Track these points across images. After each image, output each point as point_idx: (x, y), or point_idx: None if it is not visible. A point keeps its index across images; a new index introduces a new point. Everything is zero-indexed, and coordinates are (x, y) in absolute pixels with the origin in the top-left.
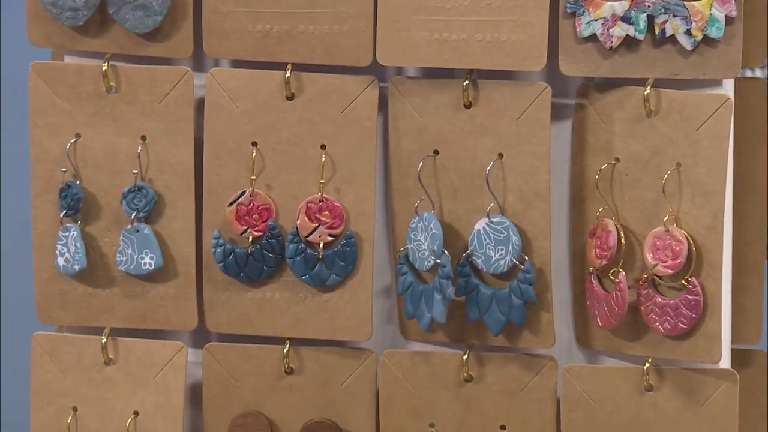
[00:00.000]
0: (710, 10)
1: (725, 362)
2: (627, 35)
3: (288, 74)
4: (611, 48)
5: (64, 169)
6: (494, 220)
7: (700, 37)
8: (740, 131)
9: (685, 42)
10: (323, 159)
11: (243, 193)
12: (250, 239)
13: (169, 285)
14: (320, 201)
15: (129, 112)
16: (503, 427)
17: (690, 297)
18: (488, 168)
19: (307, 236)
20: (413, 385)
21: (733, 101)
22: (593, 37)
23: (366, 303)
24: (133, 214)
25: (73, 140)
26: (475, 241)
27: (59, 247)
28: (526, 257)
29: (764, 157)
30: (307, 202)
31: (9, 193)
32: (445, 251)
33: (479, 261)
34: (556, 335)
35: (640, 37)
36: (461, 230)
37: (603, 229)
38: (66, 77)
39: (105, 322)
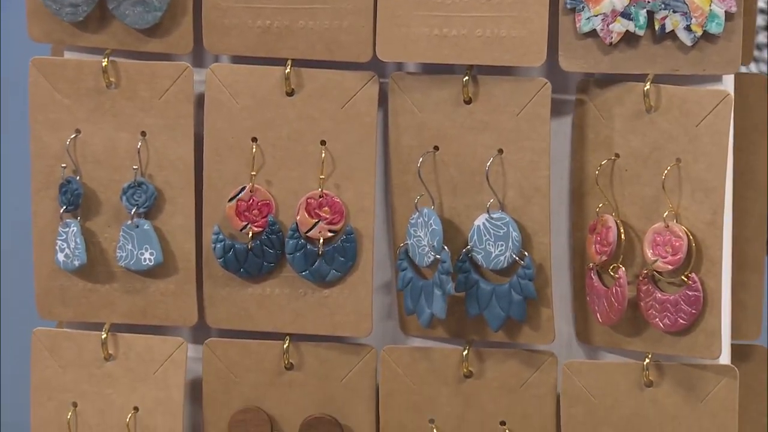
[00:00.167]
0: (710, 5)
1: (725, 358)
2: (627, 31)
3: (288, 70)
4: (611, 44)
5: (64, 165)
6: (494, 215)
7: (699, 32)
8: (740, 127)
9: (685, 38)
10: (323, 155)
11: (243, 188)
12: (250, 235)
13: (169, 281)
14: (320, 197)
15: (129, 107)
16: (503, 423)
17: (690, 293)
18: (488, 164)
19: (307, 232)
20: (413, 380)
21: (733, 97)
22: (593, 33)
23: (366, 299)
24: (133, 210)
25: (73, 136)
26: (475, 236)
27: (59, 242)
28: (526, 253)
29: (764, 153)
30: (307, 198)
31: (9, 189)
32: (445, 247)
33: (479, 257)
34: (556, 331)
35: (640, 32)
36: (461, 226)
37: (603, 225)
38: (66, 73)
39: (105, 317)
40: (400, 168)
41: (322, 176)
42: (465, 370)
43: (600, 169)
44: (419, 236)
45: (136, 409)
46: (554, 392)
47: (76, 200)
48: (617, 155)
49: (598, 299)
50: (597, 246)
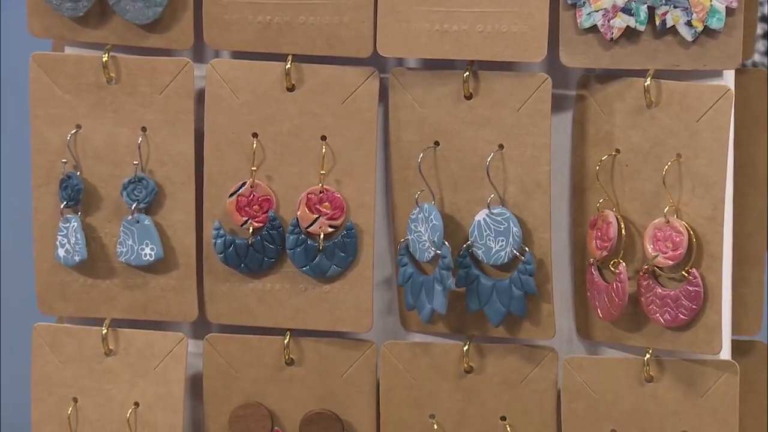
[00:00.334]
0: (711, 1)
1: (725, 353)
2: (628, 26)
3: (288, 65)
4: (612, 39)
5: (64, 160)
6: (495, 211)
7: (700, 28)
8: (740, 122)
9: (686, 33)
10: (323, 150)
11: (243, 184)
12: (251, 230)
13: (169, 276)
14: (321, 192)
15: (129, 103)
16: (503, 418)
17: (690, 288)
18: (489, 159)
19: (308, 227)
20: (414, 376)
21: (734, 92)
22: (594, 29)
23: (366, 294)
24: (134, 205)
25: (74, 131)
26: (476, 232)
27: (60, 238)
28: (526, 248)
29: (764, 147)
30: (308, 194)
31: (9, 184)
32: (446, 242)
33: (480, 252)
34: (557, 326)
35: (641, 28)
36: (462, 221)
37: (603, 221)
38: (66, 68)
39: (105, 313)
40: (401, 163)
41: (323, 171)
42: (465, 365)
43: (600, 164)
44: (420, 231)
45: (136, 404)
46: (555, 387)
47: (77, 195)
48: (618, 151)
49: (598, 294)
50: (597, 241)
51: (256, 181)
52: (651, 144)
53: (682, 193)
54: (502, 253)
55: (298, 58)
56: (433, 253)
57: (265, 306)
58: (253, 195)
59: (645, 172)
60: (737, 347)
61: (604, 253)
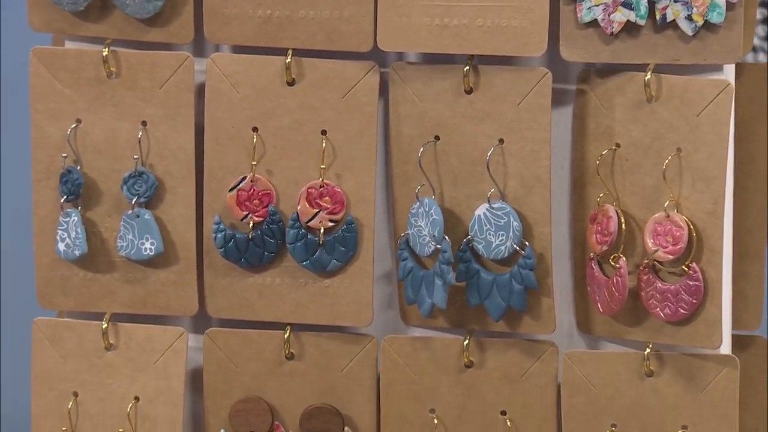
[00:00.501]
0: None
1: (726, 348)
2: (628, 21)
3: (289, 60)
4: (612, 33)
5: (64, 155)
6: (495, 205)
7: (701, 22)
8: (741, 117)
9: (686, 27)
10: (324, 144)
11: (243, 178)
12: (251, 225)
13: (169, 270)
14: (321, 186)
15: (129, 97)
16: (504, 413)
17: (690, 282)
18: (489, 153)
19: (308, 222)
20: (414, 370)
21: (734, 86)
22: (594, 23)
23: (366, 288)
24: (134, 200)
25: (74, 125)
26: (476, 226)
27: (60, 232)
28: (526, 243)
29: (764, 142)
30: (308, 188)
31: (9, 179)
32: (446, 237)
33: (480, 246)
34: (557, 321)
35: (641, 22)
36: (462, 216)
37: (604, 215)
38: (67, 62)
39: (105, 307)
40: (401, 158)
41: (323, 166)
42: (466, 359)
43: (601, 158)
44: (420, 226)
45: (136, 398)
46: (555, 382)
47: (77, 190)
48: (618, 145)
49: (598, 289)
50: (598, 236)
51: (256, 175)
52: (651, 138)
53: (682, 188)
54: (503, 248)
55: (299, 53)
56: (433, 248)
57: (265, 300)
58: (254, 189)
59: (645, 167)
60: (737, 342)
61: (605, 248)
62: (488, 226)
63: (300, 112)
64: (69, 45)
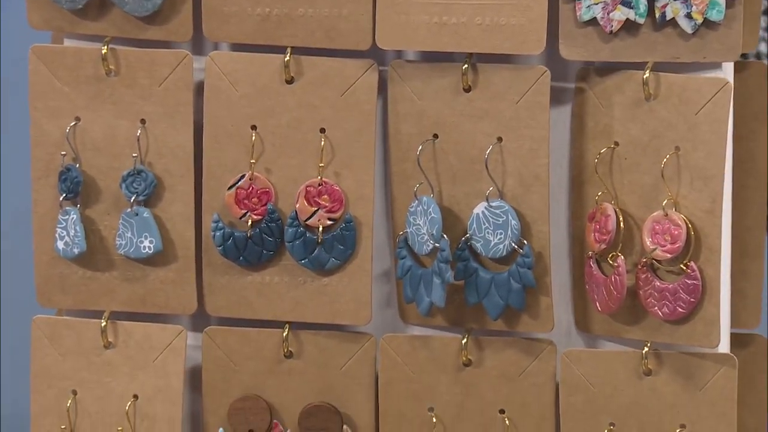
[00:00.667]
0: None
1: (724, 347)
2: (627, 19)
3: (287, 58)
4: (611, 32)
5: (63, 153)
6: (493, 204)
7: (700, 20)
8: (741, 115)
9: (686, 25)
10: (322, 143)
11: (242, 176)
12: (250, 223)
13: (168, 268)
14: (319, 185)
15: (128, 95)
16: (502, 411)
17: (688, 281)
18: (487, 152)
19: (306, 220)
20: (412, 369)
21: (733, 85)
22: (593, 21)
23: (365, 287)
24: (133, 198)
25: (73, 123)
26: (474, 225)
27: (59, 230)
28: (525, 241)
29: (764, 141)
30: (307, 186)
31: (9, 176)
32: (444, 235)
33: (478, 245)
34: (556, 319)
35: (641, 20)
36: (460, 214)
37: (602, 213)
38: (66, 60)
39: (104, 305)
40: (400, 156)
41: (322, 164)
42: (464, 358)
43: (599, 157)
44: (418, 224)
45: (135, 397)
46: (553, 381)
47: (76, 188)
48: (617, 143)
49: (597, 288)
50: (596, 234)
51: (255, 173)
52: (650, 137)
53: (680, 186)
54: (501, 246)
55: (297, 51)
56: (431, 246)
57: (264, 299)
58: (252, 187)
59: (644, 165)
60: (736, 340)
61: (603, 246)
62: (487, 224)
63: (299, 110)
64: (68, 43)
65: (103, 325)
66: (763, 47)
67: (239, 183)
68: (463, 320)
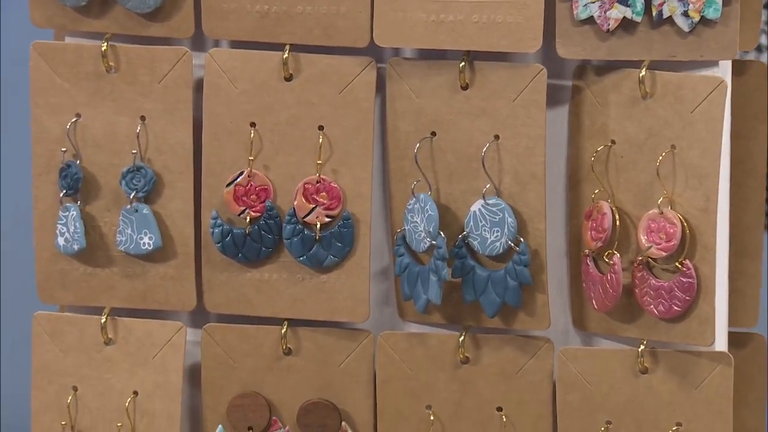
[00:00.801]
0: None
1: (721, 345)
2: (624, 17)
3: (286, 55)
4: (608, 30)
5: (64, 149)
6: (490, 201)
7: (697, 18)
8: (740, 114)
9: (683, 23)
10: (321, 140)
11: (241, 173)
12: (248, 220)
13: (168, 265)
14: (317, 182)
15: (128, 92)
16: (499, 409)
17: (684, 279)
18: (484, 150)
19: (305, 217)
20: (410, 366)
21: (730, 83)
22: (590, 20)
23: (363, 284)
24: (132, 194)
25: (74, 120)
26: (471, 222)
27: (59, 226)
28: (521, 239)
29: (764, 140)
30: (305, 183)
31: (10, 173)
32: (441, 233)
33: (475, 243)
34: (553, 317)
35: (637, 19)
36: (458, 212)
37: (598, 212)
38: (66, 57)
39: (105, 301)
40: (398, 154)
41: (320, 161)
42: (462, 356)
43: (596, 155)
44: (416, 222)
45: (135, 393)
46: (551, 378)
47: (76, 184)
48: (613, 142)
49: (593, 286)
50: (592, 232)
51: (253, 170)
52: (646, 135)
53: (675, 185)
54: (497, 244)
55: (296, 48)
56: (428, 244)
57: (262, 296)
58: (251, 184)
59: (640, 163)
60: (735, 339)
61: (599, 244)
62: (483, 222)
63: (297, 107)
64: (69, 40)
65: (103, 321)
66: (763, 39)
67: (238, 180)
68: (461, 318)
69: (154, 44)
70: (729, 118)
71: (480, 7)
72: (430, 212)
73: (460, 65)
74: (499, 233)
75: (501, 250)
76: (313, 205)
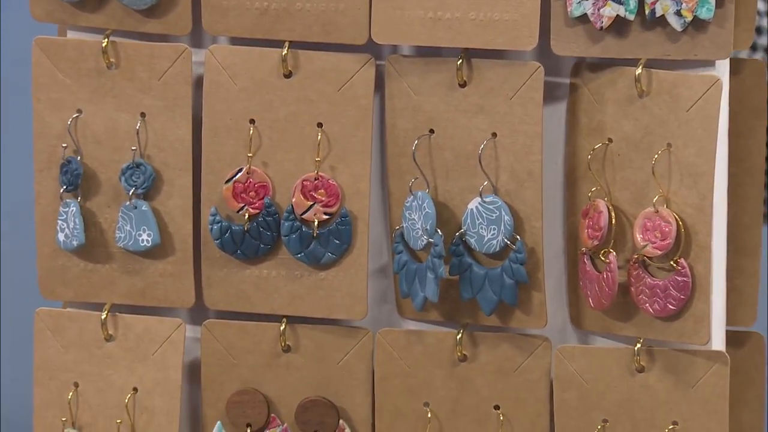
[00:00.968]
0: None
1: (718, 344)
2: (618, 15)
3: (285, 52)
4: (602, 28)
5: (64, 145)
6: (487, 199)
7: (690, 18)
8: (738, 113)
9: (675, 23)
10: (319, 137)
11: (240, 170)
12: (247, 217)
13: (167, 261)
14: (315, 179)
15: (129, 88)
16: (497, 407)
17: (679, 278)
18: (481, 147)
19: (303, 214)
20: (408, 364)
21: (727, 82)
22: (584, 18)
23: (361, 282)
24: (132, 191)
25: (75, 116)
26: (469, 220)
27: (59, 222)
28: (517, 237)
29: (762, 138)
30: (303, 180)
31: (13, 169)
32: (438, 230)
33: (472, 240)
34: (551, 316)
35: (631, 17)
36: (455, 209)
37: (595, 210)
38: (67, 53)
39: (105, 298)
40: (396, 151)
41: (318, 158)
42: (459, 353)
43: (593, 153)
44: (413, 219)
45: (135, 389)
46: (548, 377)
47: (76, 180)
48: (610, 140)
49: (590, 284)
50: (589, 231)
51: (252, 167)
52: (642, 133)
53: (671, 183)
54: (494, 242)
55: (295, 45)
56: (426, 241)
57: (261, 292)
58: (250, 181)
59: (636, 162)
60: (734, 338)
61: (596, 243)
62: (480, 220)
63: (296, 104)
64: (71, 35)
65: (103, 317)
66: (764, 22)
67: (237, 177)
68: (459, 315)
69: (153, 41)
70: (726, 117)
71: (477, 5)
72: (427, 210)
73: (458, 63)
74: (495, 231)
75: (498, 248)
76: (311, 202)
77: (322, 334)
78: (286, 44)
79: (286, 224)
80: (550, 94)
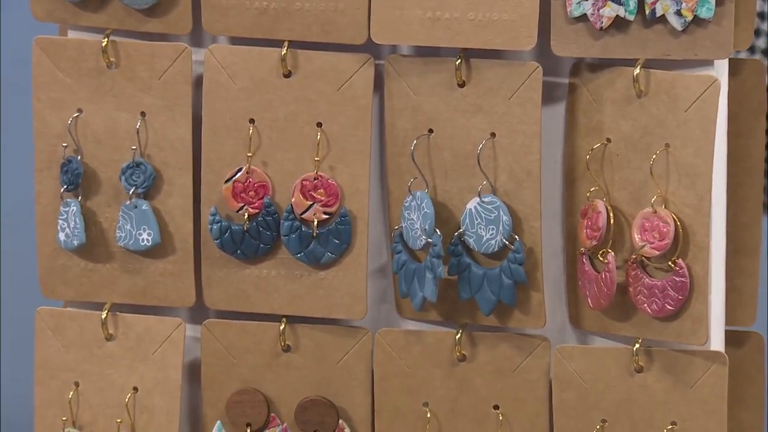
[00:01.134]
0: None
1: (717, 344)
2: (617, 15)
3: (284, 51)
4: (602, 28)
5: (65, 144)
6: (485, 199)
7: (690, 17)
8: (738, 113)
9: (675, 22)
10: (319, 137)
11: (240, 170)
12: (246, 216)
13: (167, 261)
14: (315, 179)
15: (129, 87)
16: (496, 407)
17: (677, 278)
18: (480, 147)
19: (302, 214)
20: (407, 363)
21: (726, 82)
22: (584, 18)
23: (360, 281)
24: (132, 190)
25: (75, 115)
26: (467, 220)
27: (60, 221)
28: (516, 237)
29: (761, 138)
30: (302, 180)
31: (13, 168)
32: (437, 230)
33: (471, 240)
34: (550, 316)
35: (630, 17)
36: (454, 209)
37: (593, 210)
38: (68, 52)
39: (105, 297)
40: (395, 151)
41: (318, 158)
42: (458, 353)
43: (591, 153)
44: (412, 219)
45: (135, 389)
46: (547, 377)
47: (76, 180)
48: (609, 140)
49: (588, 284)
50: (588, 231)
51: (252, 167)
52: (640, 133)
53: (669, 183)
54: (493, 242)
55: (294, 44)
56: (424, 241)
57: (261, 292)
58: (249, 181)
59: (634, 162)
60: (733, 338)
61: (594, 243)
62: (479, 220)
63: (296, 104)
64: (72, 34)
65: (103, 317)
66: (763, 25)
67: (236, 176)
68: (457, 315)
69: (153, 40)
70: (725, 117)
71: (476, 5)
72: (426, 210)
73: (456, 63)
74: (494, 231)
75: (496, 248)
76: (311, 202)
77: (322, 334)
78: (286, 44)
79: (286, 224)
80: (549, 94)
